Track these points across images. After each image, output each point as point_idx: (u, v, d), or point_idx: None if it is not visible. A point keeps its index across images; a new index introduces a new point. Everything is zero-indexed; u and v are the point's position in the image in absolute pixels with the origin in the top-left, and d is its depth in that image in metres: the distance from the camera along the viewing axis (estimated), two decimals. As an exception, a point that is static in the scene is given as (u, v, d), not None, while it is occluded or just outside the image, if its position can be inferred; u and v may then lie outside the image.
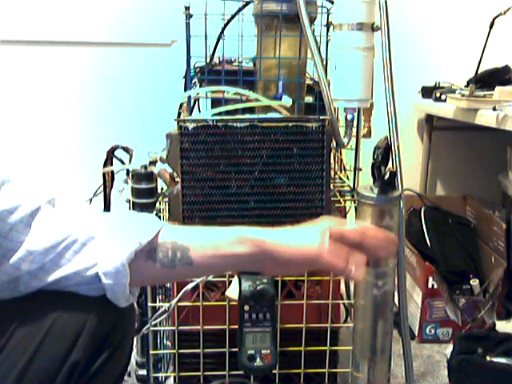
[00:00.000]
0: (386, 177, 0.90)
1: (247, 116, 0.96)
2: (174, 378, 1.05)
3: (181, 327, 1.01)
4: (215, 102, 1.14)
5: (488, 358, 1.29)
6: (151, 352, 1.01)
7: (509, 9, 1.60)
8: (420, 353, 1.57)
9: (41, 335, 0.60)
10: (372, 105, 1.07)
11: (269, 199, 0.93)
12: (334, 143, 1.05)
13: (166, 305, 0.94)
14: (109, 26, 1.80)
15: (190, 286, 0.91)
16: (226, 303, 0.96)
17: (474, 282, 1.62)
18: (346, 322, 1.14)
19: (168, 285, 1.10)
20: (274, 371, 0.99)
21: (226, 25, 1.13)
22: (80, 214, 0.68)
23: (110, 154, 1.11)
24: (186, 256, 0.66)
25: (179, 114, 1.19)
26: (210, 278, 0.91)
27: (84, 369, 0.61)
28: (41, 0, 1.76)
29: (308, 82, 1.18)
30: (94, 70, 1.85)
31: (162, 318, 0.96)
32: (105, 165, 1.12)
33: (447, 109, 1.65)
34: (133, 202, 1.06)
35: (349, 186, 1.23)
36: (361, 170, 1.21)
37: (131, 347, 0.70)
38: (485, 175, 2.01)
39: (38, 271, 0.63)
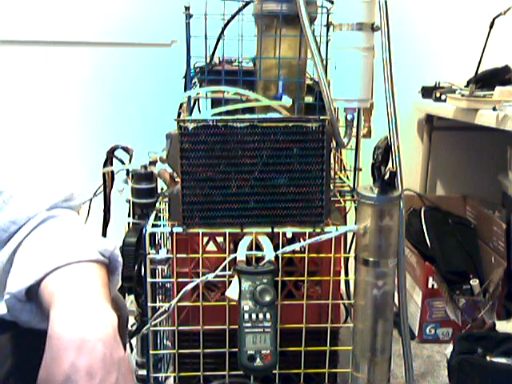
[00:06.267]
0: (386, 177, 0.90)
1: (247, 116, 0.96)
2: (174, 378, 1.04)
3: (181, 327, 1.01)
4: (215, 102, 1.14)
5: (488, 358, 1.29)
6: (151, 352, 1.01)
7: (509, 9, 1.60)
8: (420, 353, 1.57)
9: None
10: (372, 105, 1.07)
11: (269, 199, 0.93)
12: (334, 143, 1.05)
13: (166, 305, 0.94)
14: (109, 25, 1.80)
15: (189, 286, 0.91)
16: (226, 303, 0.96)
17: (474, 282, 1.62)
18: (346, 322, 1.14)
19: (168, 285, 1.10)
20: (274, 371, 0.99)
21: (225, 25, 1.13)
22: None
23: (110, 154, 1.11)
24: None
25: (179, 114, 1.19)
26: (210, 278, 0.91)
27: None
28: (40, 0, 1.76)
29: (308, 82, 1.18)
30: (94, 69, 1.85)
31: (162, 318, 0.96)
32: (105, 165, 1.12)
33: (447, 109, 1.65)
34: (133, 202, 1.06)
35: (349, 186, 1.23)
36: (361, 170, 1.21)
37: None
38: (485, 175, 2.01)
39: None
